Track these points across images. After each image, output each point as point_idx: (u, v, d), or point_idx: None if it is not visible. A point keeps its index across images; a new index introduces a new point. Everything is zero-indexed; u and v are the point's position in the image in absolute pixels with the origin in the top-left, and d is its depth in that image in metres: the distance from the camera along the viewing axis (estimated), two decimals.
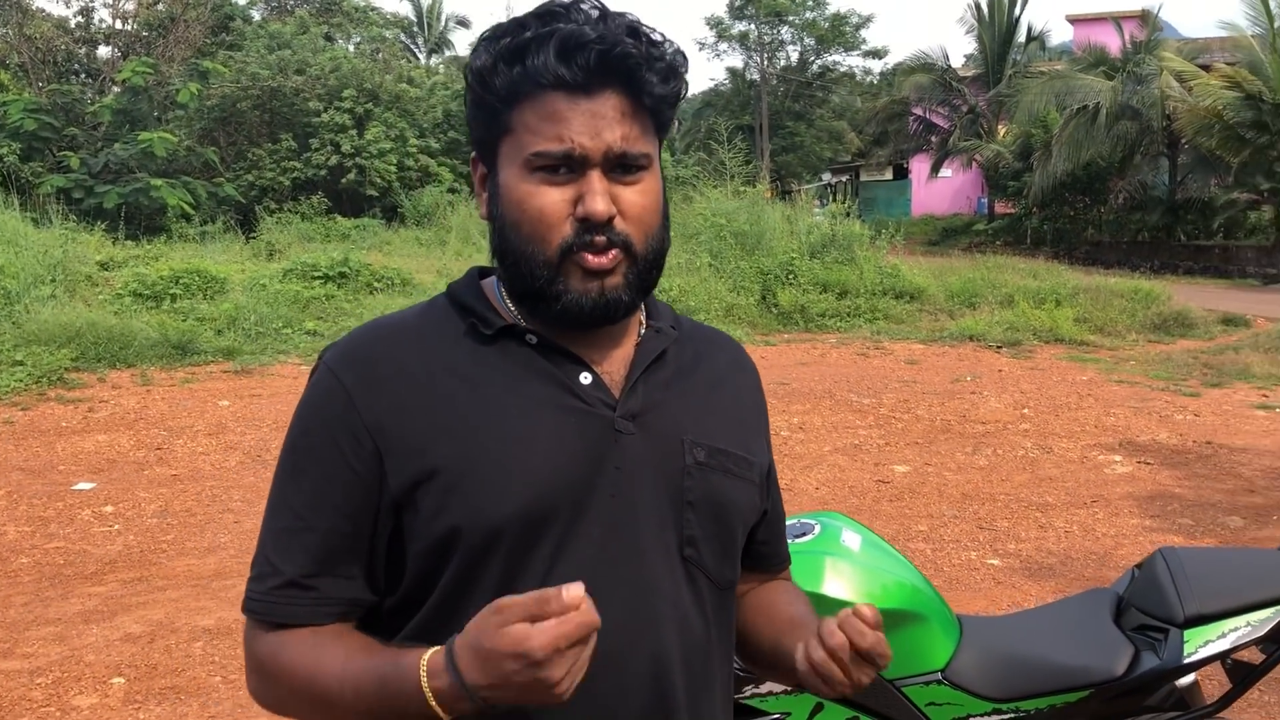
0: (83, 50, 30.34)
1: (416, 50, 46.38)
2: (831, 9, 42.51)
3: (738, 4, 42.02)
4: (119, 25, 29.83)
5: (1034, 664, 2.12)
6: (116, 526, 5.90)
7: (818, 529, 2.20)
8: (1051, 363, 11.59)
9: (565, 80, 1.11)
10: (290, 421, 1.21)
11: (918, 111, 34.80)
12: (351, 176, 26.97)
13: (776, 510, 1.40)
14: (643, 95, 1.14)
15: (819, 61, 44.05)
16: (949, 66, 34.81)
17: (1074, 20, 35.49)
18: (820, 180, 44.08)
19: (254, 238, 21.49)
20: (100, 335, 10.54)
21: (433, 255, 20.03)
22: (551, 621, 0.94)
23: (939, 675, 2.11)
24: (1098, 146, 24.29)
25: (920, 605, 2.15)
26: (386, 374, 1.17)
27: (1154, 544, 5.48)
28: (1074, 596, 2.42)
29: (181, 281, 13.09)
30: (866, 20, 47.17)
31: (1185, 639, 2.05)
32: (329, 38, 32.88)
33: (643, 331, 1.27)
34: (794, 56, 43.92)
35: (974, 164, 32.11)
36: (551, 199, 1.13)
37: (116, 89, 27.26)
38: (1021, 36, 34.71)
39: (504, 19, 1.17)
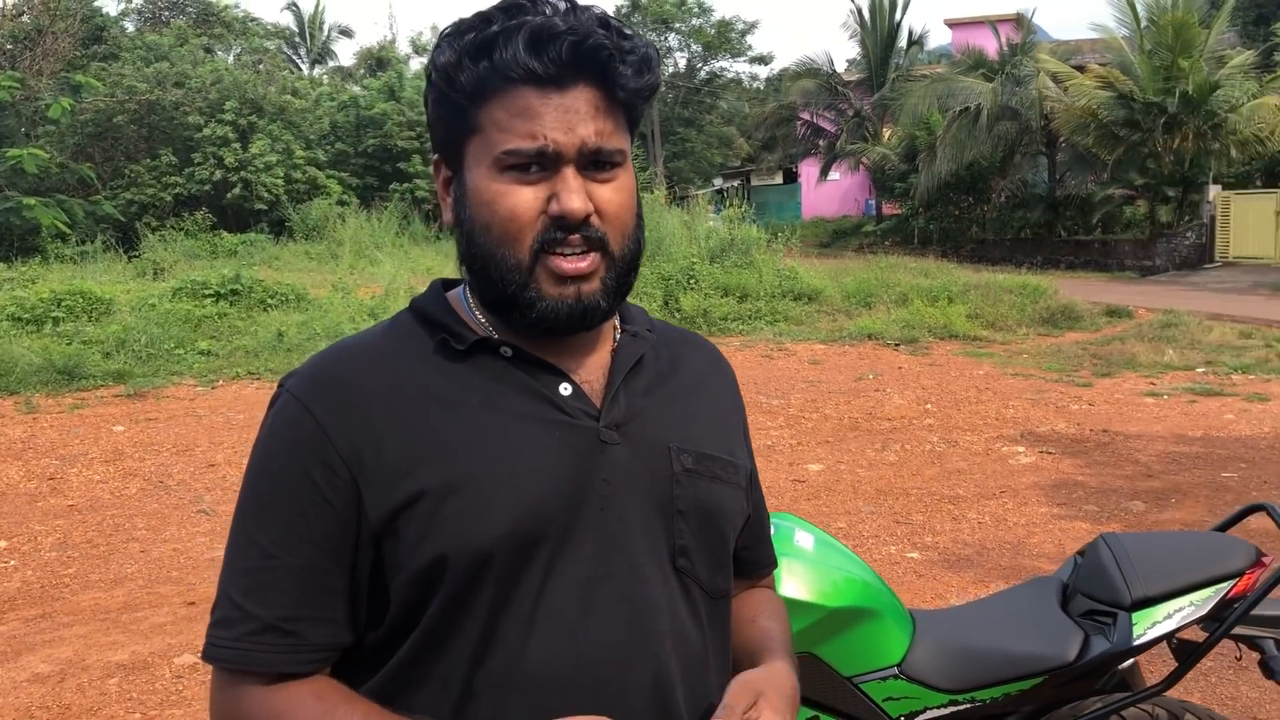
0: None
1: (299, 61, 45.52)
2: (717, 16, 43.10)
3: (624, 11, 42.21)
4: None
5: (988, 654, 2.14)
6: (13, 562, 5.60)
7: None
8: (948, 358, 11.87)
9: (536, 74, 1.06)
10: (251, 456, 1.13)
11: (805, 116, 35.37)
12: (237, 191, 26.35)
13: (759, 513, 1.36)
14: (616, 89, 1.10)
15: (706, 68, 44.57)
16: (834, 71, 35.49)
17: (952, 24, 36.55)
18: (713, 186, 44.53)
19: (136, 256, 20.85)
20: None
21: (325, 269, 19.64)
22: None
23: (896, 670, 2.12)
24: (980, 147, 25.01)
25: (875, 601, 2.16)
26: (358, 400, 1.10)
27: (1063, 531, 5.65)
28: (1020, 585, 2.46)
29: (64, 304, 12.58)
30: (752, 26, 48.03)
31: (1134, 621, 2.09)
32: (209, 49, 32.07)
33: (618, 336, 1.22)
34: (682, 63, 44.34)
35: (861, 166, 32.79)
36: (523, 198, 1.08)
37: None
38: (903, 41, 35.56)
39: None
